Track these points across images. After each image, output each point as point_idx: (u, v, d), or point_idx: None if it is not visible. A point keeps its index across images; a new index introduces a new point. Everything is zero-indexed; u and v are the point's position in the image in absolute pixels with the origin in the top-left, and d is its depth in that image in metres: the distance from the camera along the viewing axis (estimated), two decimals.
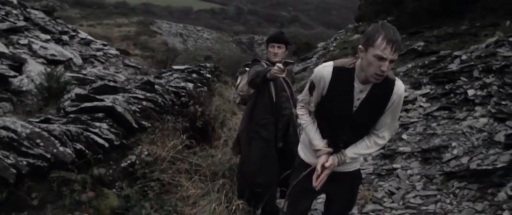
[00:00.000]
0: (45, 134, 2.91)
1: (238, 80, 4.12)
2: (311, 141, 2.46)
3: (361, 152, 2.38)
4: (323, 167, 2.34)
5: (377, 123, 2.32)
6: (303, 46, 22.61)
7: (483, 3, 8.65)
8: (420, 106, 6.47)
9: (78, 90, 6.30)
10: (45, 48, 10.67)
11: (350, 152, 2.36)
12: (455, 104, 5.96)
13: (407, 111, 6.52)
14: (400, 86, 2.21)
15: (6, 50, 8.29)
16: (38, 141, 2.85)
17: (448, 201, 4.12)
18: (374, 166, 5.39)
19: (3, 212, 2.31)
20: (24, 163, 2.61)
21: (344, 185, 2.56)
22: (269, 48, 3.79)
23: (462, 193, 4.14)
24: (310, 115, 2.48)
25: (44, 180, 2.76)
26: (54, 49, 10.97)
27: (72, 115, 3.68)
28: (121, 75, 11.56)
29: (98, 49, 15.01)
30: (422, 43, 9.09)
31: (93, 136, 3.40)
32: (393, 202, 4.41)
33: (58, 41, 12.59)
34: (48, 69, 7.37)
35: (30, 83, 7.42)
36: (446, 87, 6.49)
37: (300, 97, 2.52)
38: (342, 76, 2.19)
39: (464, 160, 4.57)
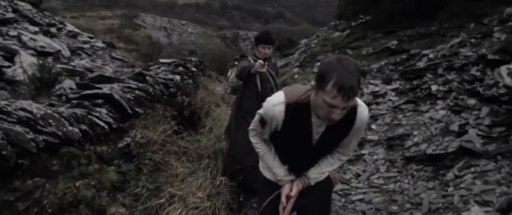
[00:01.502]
0: (56, 115, 3.37)
1: (229, 73, 4.76)
2: (271, 170, 2.33)
3: (324, 170, 2.29)
4: (288, 197, 2.23)
5: (340, 144, 2.19)
6: (286, 42, 23.16)
7: (451, 7, 9.29)
8: (390, 100, 7.07)
9: (68, 81, 6.70)
10: (35, 40, 10.92)
11: (314, 173, 2.27)
12: (420, 98, 6.55)
13: (377, 103, 7.12)
14: (363, 113, 2.02)
15: None
16: (51, 121, 3.31)
17: (406, 181, 4.70)
18: None
19: (28, 176, 2.78)
20: (41, 138, 3.07)
21: (316, 197, 2.38)
22: (259, 48, 4.33)
23: (418, 174, 4.73)
24: (265, 142, 2.30)
25: (56, 154, 3.23)
26: (43, 41, 11.23)
27: (74, 101, 4.13)
28: (108, 67, 11.87)
29: (85, 42, 15.23)
30: (395, 42, 9.73)
31: (95, 119, 3.87)
32: (359, 182, 4.99)
33: (46, 33, 12.83)
34: (40, 61, 7.70)
35: (22, 73, 7.74)
36: (414, 83, 7.09)
37: (251, 125, 2.30)
38: (296, 113, 1.99)
39: (423, 146, 5.15)
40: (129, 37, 33.19)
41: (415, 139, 5.41)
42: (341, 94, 1.67)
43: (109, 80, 5.06)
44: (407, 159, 5.08)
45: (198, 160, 4.64)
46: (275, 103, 2.02)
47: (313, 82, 1.85)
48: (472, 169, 4.30)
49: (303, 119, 1.98)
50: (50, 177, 3.01)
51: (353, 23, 14.20)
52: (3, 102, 3.20)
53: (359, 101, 2.02)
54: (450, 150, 4.68)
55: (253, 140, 2.31)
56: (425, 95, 6.54)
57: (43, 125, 3.21)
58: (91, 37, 16.33)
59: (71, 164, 3.27)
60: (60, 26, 14.83)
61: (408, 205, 4.10)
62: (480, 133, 4.75)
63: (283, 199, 2.22)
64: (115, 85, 4.82)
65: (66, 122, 3.40)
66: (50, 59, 9.24)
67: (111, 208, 3.20)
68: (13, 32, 10.38)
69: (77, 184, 2.97)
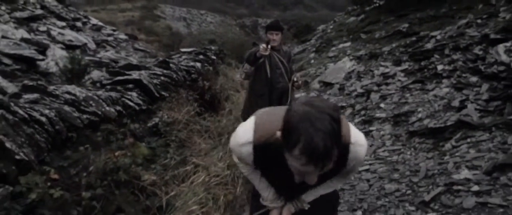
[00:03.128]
0: (96, 97, 3.93)
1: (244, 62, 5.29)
2: (257, 190, 1.98)
3: (323, 193, 1.92)
4: None
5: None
6: (303, 29, 23.46)
7: None
8: (398, 80, 7.44)
9: (96, 72, 7.28)
10: (63, 34, 11.59)
11: (310, 196, 1.91)
12: (427, 78, 6.91)
13: (387, 84, 7.50)
14: (358, 152, 1.62)
15: (29, 37, 9.25)
16: (91, 102, 3.87)
17: (408, 153, 5.12)
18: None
19: (77, 145, 3.35)
20: (84, 117, 3.63)
21: (320, 210, 2.00)
22: (268, 35, 4.69)
23: (420, 147, 5.14)
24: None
25: (97, 130, 3.79)
26: (70, 35, 11.89)
27: (108, 86, 4.70)
28: (132, 58, 12.48)
29: (109, 35, 15.86)
30: (406, 25, 10.03)
31: (127, 101, 4.43)
32: (366, 155, 5.43)
33: (73, 27, 13.50)
34: (70, 53, 8.31)
35: (54, 66, 8.37)
36: (422, 63, 7.44)
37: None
38: (269, 155, 1.57)
39: (426, 121, 5.55)
40: (149, 29, 33.62)
41: (419, 115, 5.80)
42: (312, 163, 1.27)
43: (137, 67, 5.62)
44: (410, 133, 5.49)
45: (218, 137, 5.17)
46: (240, 143, 1.66)
47: (278, 134, 1.38)
48: (468, 140, 4.69)
49: (278, 162, 1.45)
50: (94, 148, 3.58)
51: (367, 8, 14.46)
52: (52, 87, 3.77)
53: (354, 136, 1.62)
54: (449, 123, 5.07)
55: (234, 158, 1.92)
56: (431, 75, 6.89)
57: (85, 105, 3.77)
58: (114, 30, 16.97)
59: (110, 138, 3.84)
60: (85, 20, 15.50)
61: (408, 173, 4.54)
62: (477, 107, 5.13)
63: None
64: (142, 72, 5.38)
65: (104, 103, 3.96)
66: (78, 51, 9.89)
67: (144, 175, 3.75)
68: (42, 28, 11.04)
69: (116, 154, 3.52)
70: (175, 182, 3.94)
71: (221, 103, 6.89)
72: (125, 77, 4.81)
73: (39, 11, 12.67)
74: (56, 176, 2.89)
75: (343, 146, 1.50)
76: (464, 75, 6.19)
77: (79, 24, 14.46)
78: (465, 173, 3.91)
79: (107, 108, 3.94)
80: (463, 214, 3.29)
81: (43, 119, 3.12)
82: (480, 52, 6.30)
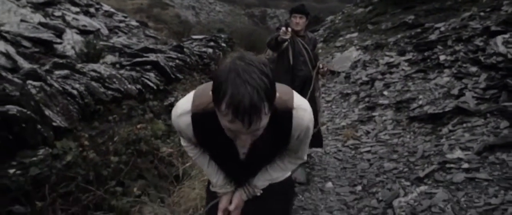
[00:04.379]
0: (118, 75, 4.27)
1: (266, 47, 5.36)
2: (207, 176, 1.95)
3: (274, 177, 1.82)
4: (226, 211, 1.83)
5: (285, 150, 1.75)
6: (312, 19, 23.62)
7: None
8: (402, 69, 7.74)
9: (109, 56, 7.61)
10: (77, 19, 11.93)
11: (260, 180, 1.81)
12: (430, 68, 7.20)
13: (391, 73, 7.80)
14: (301, 118, 1.53)
15: (45, 21, 9.59)
16: (114, 80, 4.22)
17: (408, 136, 5.44)
18: (359, 115, 6.75)
19: (103, 118, 3.70)
20: (109, 93, 3.98)
21: (272, 201, 1.90)
22: (292, 18, 4.41)
23: (419, 131, 5.46)
24: (196, 146, 1.77)
25: (120, 105, 4.14)
26: (84, 20, 12.22)
27: (128, 67, 5.05)
28: (143, 44, 12.80)
29: (120, 21, 16.17)
30: (412, 17, 10.29)
31: (146, 80, 4.77)
32: (368, 138, 5.77)
33: (86, 13, 13.83)
34: (86, 38, 8.64)
35: (70, 49, 8.72)
36: (425, 54, 7.72)
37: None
38: (208, 125, 1.48)
39: (426, 108, 5.86)
40: (158, 17, 33.73)
41: (420, 102, 6.10)
42: (239, 118, 1.18)
43: (153, 51, 5.96)
44: (411, 119, 5.81)
45: None
46: (179, 113, 1.57)
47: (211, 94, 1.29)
48: (464, 125, 4.99)
49: (218, 131, 1.39)
50: (118, 121, 3.93)
51: (375, 0, 14.67)
52: (79, 65, 4.12)
53: (297, 101, 1.55)
54: (447, 109, 5.37)
55: (184, 143, 1.82)
56: (434, 65, 7.17)
57: (109, 82, 4.11)
58: (125, 17, 17.29)
59: (131, 113, 4.18)
60: (97, 6, 15.83)
61: (406, 154, 4.86)
62: (475, 95, 5.42)
63: (220, 214, 1.82)
64: (159, 55, 5.71)
65: (126, 81, 4.31)
66: (91, 36, 10.23)
67: (162, 147, 4.10)
68: (57, 13, 11.38)
69: (138, 126, 3.87)
70: None
71: None
72: (144, 59, 5.15)
73: None
74: (86, 142, 3.24)
75: (285, 111, 1.48)
76: (464, 65, 6.47)
77: (92, 10, 14.78)
78: (458, 153, 4.22)
79: (129, 86, 4.28)
80: (452, 186, 3.61)
81: (75, 92, 3.47)
82: (481, 44, 6.56)
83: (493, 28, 6.54)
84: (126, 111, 4.11)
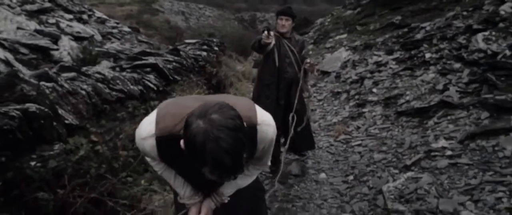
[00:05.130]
0: (121, 77, 4.51)
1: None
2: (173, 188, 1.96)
3: (241, 183, 1.89)
4: None
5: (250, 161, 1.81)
6: (301, 22, 24.01)
7: None
8: (390, 68, 8.05)
9: (104, 62, 7.82)
10: (71, 26, 12.07)
11: (227, 188, 1.87)
12: (416, 65, 7.52)
13: (379, 71, 8.11)
14: (266, 132, 1.65)
15: (40, 28, 9.76)
16: (118, 81, 4.45)
17: (396, 130, 5.73)
18: (350, 112, 7.05)
19: (110, 116, 3.94)
20: (113, 93, 4.22)
21: (242, 204, 2.01)
22: (278, 20, 4.44)
23: (407, 124, 5.75)
24: (161, 161, 1.77)
25: (124, 105, 4.38)
26: (78, 27, 12.36)
27: (129, 69, 5.28)
28: (137, 50, 12.98)
29: (113, 27, 16.32)
30: (399, 17, 10.65)
31: (146, 82, 5.01)
32: (359, 133, 6.06)
33: (79, 20, 13.99)
34: (82, 44, 8.83)
35: (67, 55, 8.89)
36: (412, 52, 8.04)
37: None
38: (175, 149, 1.44)
39: (413, 103, 6.16)
40: (148, 23, 33.64)
41: (407, 97, 6.41)
42: (224, 178, 1.33)
43: (151, 54, 6.19)
44: (399, 113, 6.10)
45: None
46: (143, 136, 1.58)
47: (182, 144, 1.36)
48: (448, 117, 5.30)
49: (185, 156, 1.36)
50: (123, 120, 4.17)
51: (363, 1, 15.03)
52: (84, 68, 4.35)
53: (261, 117, 1.64)
54: (432, 103, 5.68)
55: (146, 157, 1.82)
56: (420, 63, 7.49)
57: (113, 84, 4.35)
58: (117, 23, 17.44)
59: (135, 112, 4.42)
60: (90, 13, 15.97)
61: (394, 145, 5.16)
62: (458, 89, 5.73)
63: None
64: (157, 57, 5.96)
65: (129, 82, 4.54)
66: (86, 43, 10.41)
67: None
68: (51, 20, 11.52)
69: None
70: None
71: (226, 88, 7.50)
72: (143, 61, 5.38)
73: (47, 4, 13.14)
74: (96, 139, 3.48)
75: (249, 127, 1.50)
76: (449, 62, 6.79)
77: (85, 16, 14.93)
78: (442, 142, 4.52)
79: (132, 87, 4.52)
80: (436, 171, 3.90)
81: (83, 92, 3.70)
82: (464, 41, 6.89)
83: (475, 26, 6.87)
84: (131, 109, 4.34)
